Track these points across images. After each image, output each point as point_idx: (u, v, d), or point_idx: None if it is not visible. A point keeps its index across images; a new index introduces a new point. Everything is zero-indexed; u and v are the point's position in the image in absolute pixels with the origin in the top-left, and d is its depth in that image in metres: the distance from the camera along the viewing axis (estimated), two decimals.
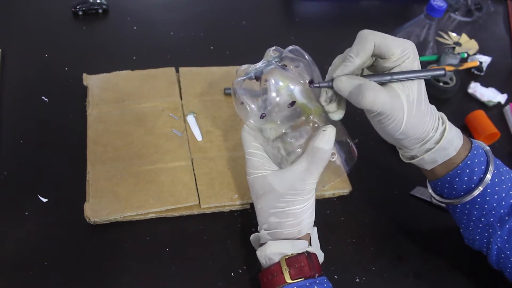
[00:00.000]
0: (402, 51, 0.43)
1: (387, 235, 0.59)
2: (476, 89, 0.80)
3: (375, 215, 0.61)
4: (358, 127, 0.69)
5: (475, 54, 0.87)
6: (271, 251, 0.47)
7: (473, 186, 0.48)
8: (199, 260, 0.53)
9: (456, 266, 0.57)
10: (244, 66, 0.50)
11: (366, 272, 0.55)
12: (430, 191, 0.53)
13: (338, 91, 0.44)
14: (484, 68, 0.85)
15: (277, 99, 0.47)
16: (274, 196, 0.47)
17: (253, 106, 0.48)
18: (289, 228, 0.47)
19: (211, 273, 0.52)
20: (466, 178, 0.48)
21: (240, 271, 0.53)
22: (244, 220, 0.57)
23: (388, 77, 0.43)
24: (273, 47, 0.50)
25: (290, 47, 0.50)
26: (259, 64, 0.49)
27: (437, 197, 0.52)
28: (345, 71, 0.44)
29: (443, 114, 0.48)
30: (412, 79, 0.43)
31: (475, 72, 0.85)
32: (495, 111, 0.79)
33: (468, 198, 0.48)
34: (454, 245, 0.59)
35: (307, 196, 0.47)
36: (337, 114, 0.47)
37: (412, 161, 0.50)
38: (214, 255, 0.54)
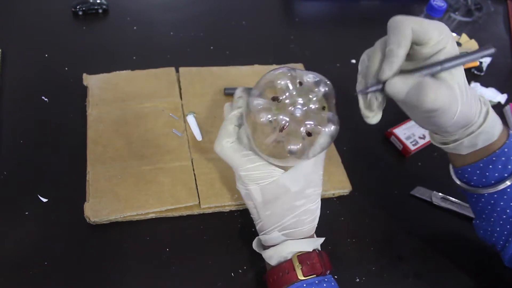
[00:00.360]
0: (439, 34, 0.39)
1: (387, 235, 0.59)
2: (476, 89, 0.80)
3: (375, 215, 0.61)
4: (357, 127, 0.69)
5: None
6: (291, 250, 0.46)
7: (505, 175, 0.46)
8: (199, 260, 0.53)
9: (456, 266, 0.57)
10: (261, 102, 0.42)
11: (366, 272, 0.55)
12: (454, 178, 0.51)
13: (393, 95, 0.39)
14: (484, 68, 0.85)
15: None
16: (290, 196, 0.46)
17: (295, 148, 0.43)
18: (307, 225, 0.48)
19: (211, 273, 0.52)
20: (500, 166, 0.46)
21: (240, 271, 0.53)
22: (244, 220, 0.57)
23: (439, 67, 0.39)
24: (280, 69, 0.44)
25: (311, 78, 0.44)
26: (297, 109, 0.43)
27: (462, 185, 0.50)
28: (394, 70, 0.39)
29: (482, 95, 0.46)
30: (463, 64, 0.39)
31: (475, 72, 0.85)
32: (495, 111, 0.78)
33: (499, 187, 0.47)
34: (454, 245, 0.59)
35: (320, 190, 0.49)
36: (376, 118, 0.43)
37: (446, 146, 0.47)
38: (214, 255, 0.54)
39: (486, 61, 0.86)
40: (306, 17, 0.91)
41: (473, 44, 0.89)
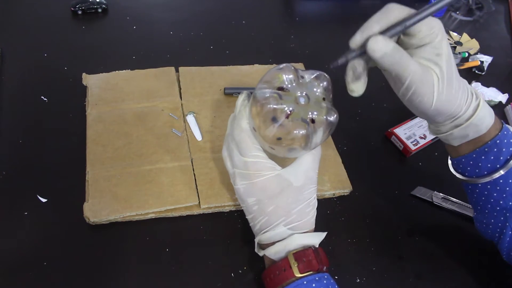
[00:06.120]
0: (428, 29, 0.41)
1: (387, 235, 0.59)
2: (477, 88, 0.80)
3: (375, 215, 0.61)
4: (357, 127, 0.69)
5: (476, 53, 0.87)
6: (299, 243, 0.47)
7: (498, 166, 0.48)
8: (199, 260, 0.53)
9: (456, 266, 0.57)
10: (267, 91, 0.45)
11: (367, 272, 0.55)
12: (451, 169, 0.53)
13: (372, 52, 0.40)
14: (485, 68, 0.85)
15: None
16: (294, 190, 0.48)
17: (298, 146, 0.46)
18: (310, 218, 0.49)
19: (211, 273, 0.52)
20: (492, 157, 0.47)
21: (240, 271, 0.53)
22: (244, 220, 0.57)
23: (401, 27, 0.40)
24: (284, 65, 0.46)
25: (311, 73, 0.47)
26: (299, 98, 0.45)
27: (458, 175, 0.52)
28: (364, 36, 0.41)
29: (477, 90, 0.47)
30: (423, 18, 0.40)
31: (476, 71, 0.85)
32: (496, 111, 0.78)
33: (491, 178, 0.48)
34: (454, 245, 0.59)
35: (316, 187, 0.50)
36: (360, 90, 0.45)
37: (440, 135, 0.49)
38: (214, 255, 0.54)
39: (487, 60, 0.86)
40: (306, 17, 0.90)
41: (474, 44, 0.89)
